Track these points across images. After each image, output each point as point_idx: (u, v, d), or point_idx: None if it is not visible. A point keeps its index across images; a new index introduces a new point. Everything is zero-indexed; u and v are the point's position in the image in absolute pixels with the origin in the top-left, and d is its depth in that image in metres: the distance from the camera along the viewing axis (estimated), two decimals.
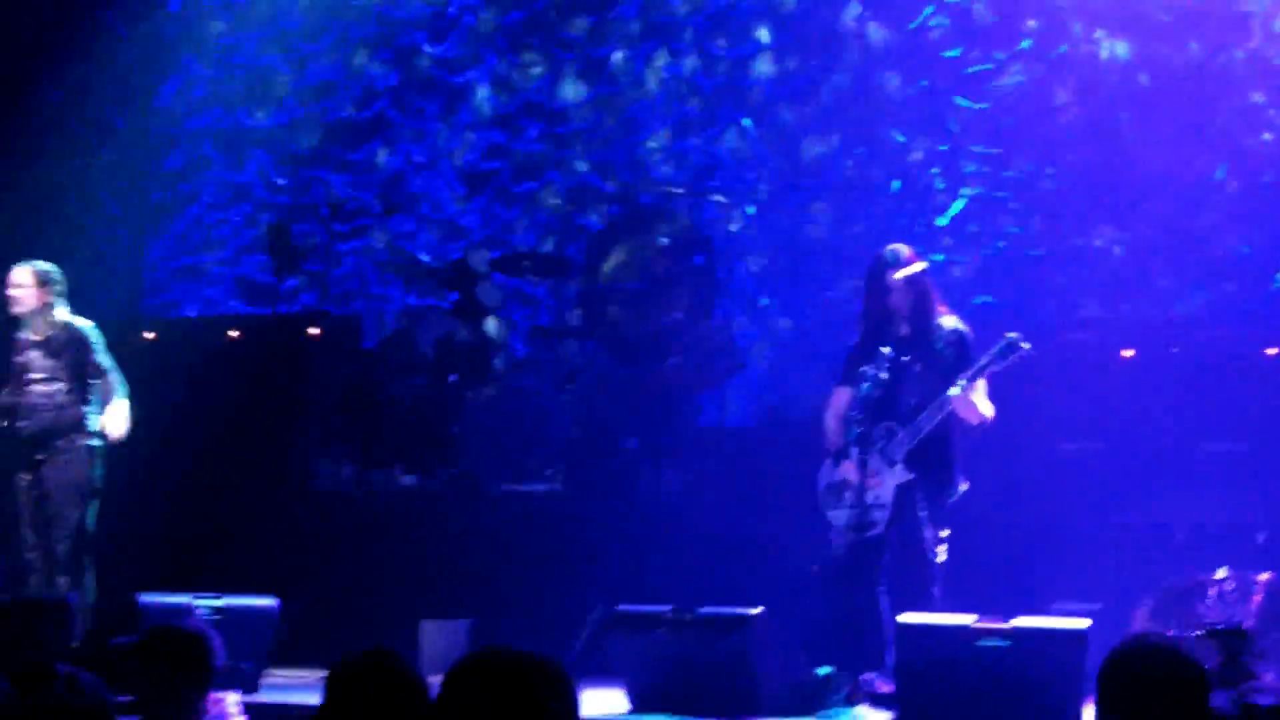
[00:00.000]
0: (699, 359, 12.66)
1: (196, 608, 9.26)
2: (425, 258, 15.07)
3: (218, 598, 9.49)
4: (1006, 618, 8.41)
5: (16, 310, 11.02)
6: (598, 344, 13.51)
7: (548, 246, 14.77)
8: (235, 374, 13.29)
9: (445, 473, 12.66)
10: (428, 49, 15.49)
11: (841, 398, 9.50)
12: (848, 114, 14.18)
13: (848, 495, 9.31)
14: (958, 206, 13.72)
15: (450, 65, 15.44)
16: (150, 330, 14.00)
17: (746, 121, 14.44)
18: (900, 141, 13.94)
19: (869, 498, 9.22)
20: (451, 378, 13.02)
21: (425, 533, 12.30)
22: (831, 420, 9.51)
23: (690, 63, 14.74)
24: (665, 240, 13.25)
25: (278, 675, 9.91)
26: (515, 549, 12.04)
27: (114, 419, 10.99)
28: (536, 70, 15.17)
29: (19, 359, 10.99)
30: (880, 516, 9.20)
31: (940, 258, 13.21)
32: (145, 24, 16.00)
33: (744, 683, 8.49)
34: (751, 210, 14.33)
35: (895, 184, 13.92)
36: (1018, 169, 13.69)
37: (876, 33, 14.11)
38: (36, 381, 10.91)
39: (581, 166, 14.96)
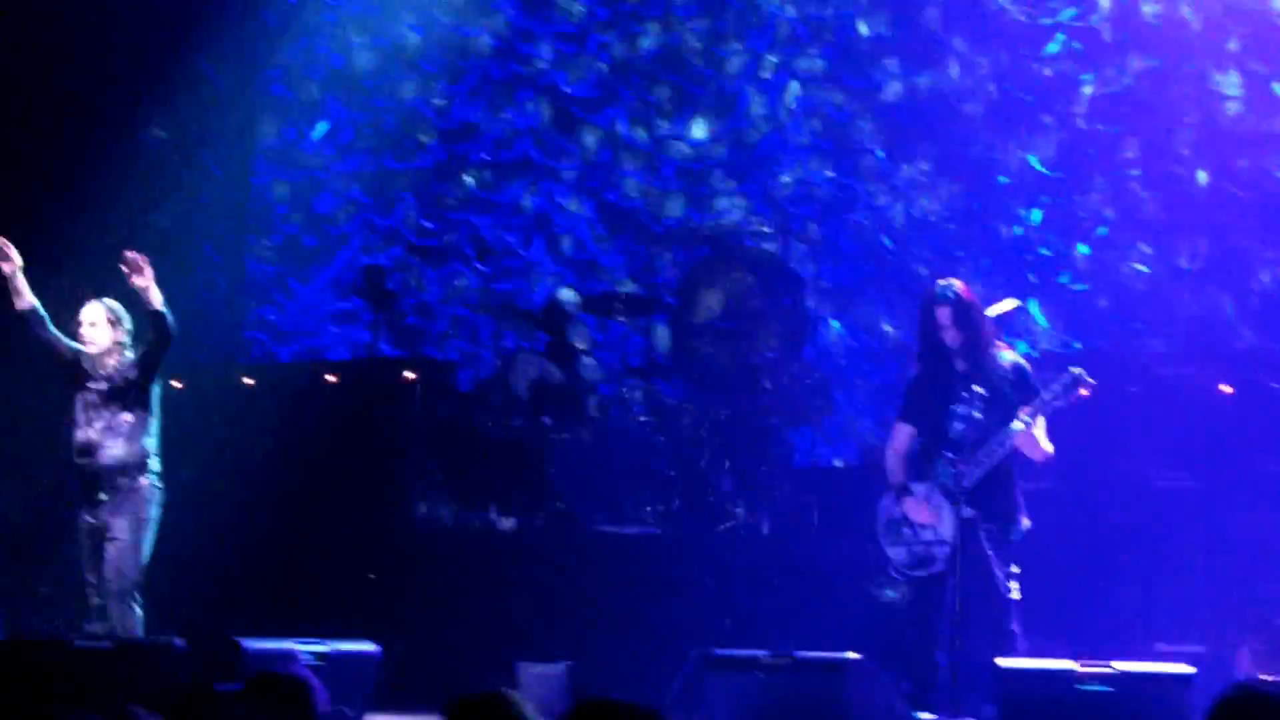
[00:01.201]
0: (792, 397, 12.68)
1: (300, 653, 9.29)
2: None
3: (321, 643, 9.53)
4: (1106, 660, 8.37)
5: (88, 348, 10.91)
6: (690, 383, 13.56)
7: None
8: (333, 417, 13.40)
9: (541, 514, 12.72)
10: (566, 89, 15.55)
11: (901, 434, 9.52)
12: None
13: (907, 532, 9.32)
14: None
15: (588, 105, 15.48)
16: (248, 375, 14.14)
17: (880, 153, 14.45)
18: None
19: (929, 534, 9.23)
20: (546, 419, 13.08)
21: (522, 575, 12.36)
22: (892, 457, 9.53)
23: (821, 94, 14.74)
24: (754, 278, 13.29)
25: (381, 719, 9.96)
26: (611, 590, 12.08)
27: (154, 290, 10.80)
28: (670, 106, 15.21)
29: (83, 396, 10.89)
30: (940, 553, 9.21)
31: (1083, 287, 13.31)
32: (241, 69, 16.17)
33: None
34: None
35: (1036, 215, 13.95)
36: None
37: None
38: (100, 420, 10.83)
39: (721, 203, 14.95)
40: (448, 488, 13.04)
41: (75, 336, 10.92)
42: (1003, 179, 14.11)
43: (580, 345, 13.78)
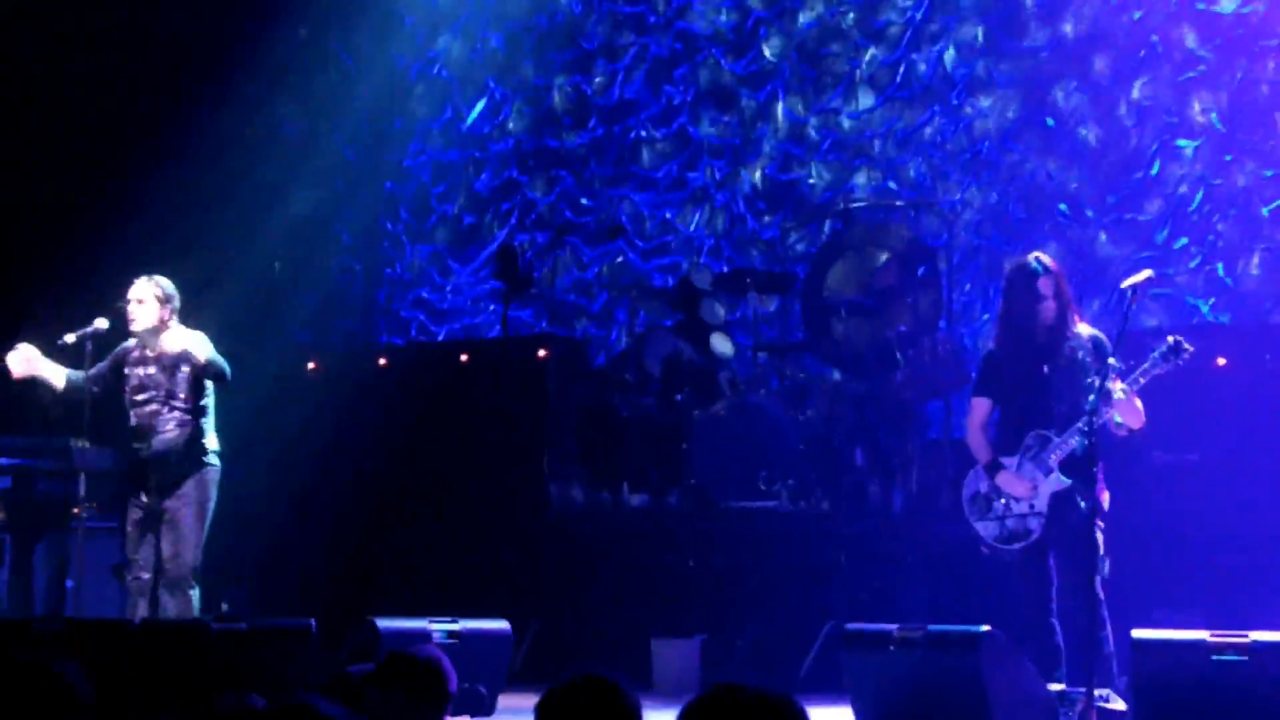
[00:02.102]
0: (926, 372, 12.61)
1: (433, 632, 9.35)
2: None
3: (453, 622, 9.59)
4: (1242, 630, 8.28)
5: (134, 326, 10.69)
6: (823, 359, 13.53)
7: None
8: (467, 397, 13.48)
9: (675, 491, 12.74)
10: (726, 64, 15.46)
11: (980, 409, 9.48)
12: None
13: (997, 506, 9.28)
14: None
15: (749, 80, 15.38)
16: (383, 356, 14.26)
17: (1050, 121, 14.30)
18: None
19: (1024, 507, 9.19)
20: (679, 397, 13.10)
21: (655, 552, 12.40)
22: (974, 433, 9.48)
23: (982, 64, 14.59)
24: (888, 253, 13.23)
25: (513, 698, 10.01)
26: (744, 567, 12.09)
27: (183, 333, 10.63)
28: (829, 79, 15.08)
29: (134, 375, 10.72)
30: (1035, 525, 9.17)
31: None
32: (376, 54, 16.28)
33: (975, 702, 8.41)
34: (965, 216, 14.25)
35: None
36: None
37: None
38: (153, 401, 10.66)
39: (875, 177, 14.88)
40: (581, 465, 13.09)
41: (123, 314, 10.71)
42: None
43: (713, 322, 13.78)
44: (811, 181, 15.06)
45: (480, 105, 16.16)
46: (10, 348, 12.76)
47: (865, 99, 14.96)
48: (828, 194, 14.92)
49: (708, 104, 15.46)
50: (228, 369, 10.65)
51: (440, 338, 15.97)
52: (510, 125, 16.13)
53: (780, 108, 15.20)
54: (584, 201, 15.73)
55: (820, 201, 14.91)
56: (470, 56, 16.29)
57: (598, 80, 15.86)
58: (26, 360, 10.62)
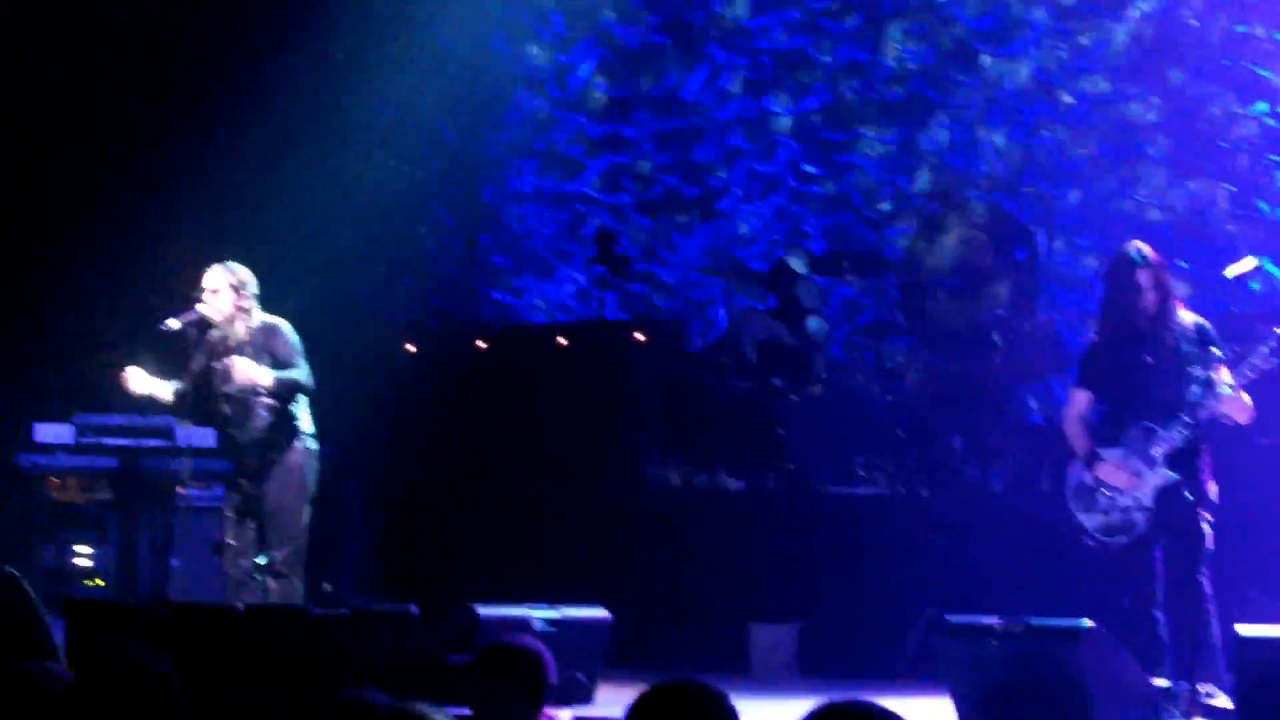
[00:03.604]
0: (1023, 354, 12.55)
1: (533, 619, 9.39)
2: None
3: (553, 609, 9.62)
4: None
5: (212, 315, 10.61)
6: (920, 342, 13.48)
7: None
8: (564, 379, 13.51)
9: (770, 476, 12.73)
10: (965, 22, 14.95)
11: (1080, 400, 9.42)
12: None
13: (1101, 498, 9.22)
14: None
15: (989, 38, 14.78)
16: (481, 339, 14.29)
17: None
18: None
19: (1128, 500, 9.13)
20: (775, 379, 13.08)
21: (751, 536, 12.38)
22: (1072, 424, 9.42)
23: None
24: (985, 234, 13.17)
25: (611, 685, 10.04)
26: (841, 551, 12.06)
27: (247, 364, 10.53)
28: (1083, 39, 14.48)
29: (220, 365, 10.64)
30: (1141, 519, 9.10)
31: None
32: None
33: (1075, 696, 8.37)
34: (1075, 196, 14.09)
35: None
36: None
37: None
38: (241, 390, 10.60)
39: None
40: (677, 449, 13.09)
41: (196, 303, 10.67)
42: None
43: (809, 305, 13.75)
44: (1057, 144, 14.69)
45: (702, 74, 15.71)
46: (113, 333, 12.92)
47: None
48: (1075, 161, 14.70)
49: (947, 64, 14.77)
50: (302, 376, 10.61)
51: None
52: (732, 91, 15.58)
53: (1025, 69, 14.53)
54: (807, 168, 15.20)
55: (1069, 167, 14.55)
56: (692, 20, 15.71)
57: (824, 43, 15.27)
58: (140, 381, 10.67)
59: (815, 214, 15.02)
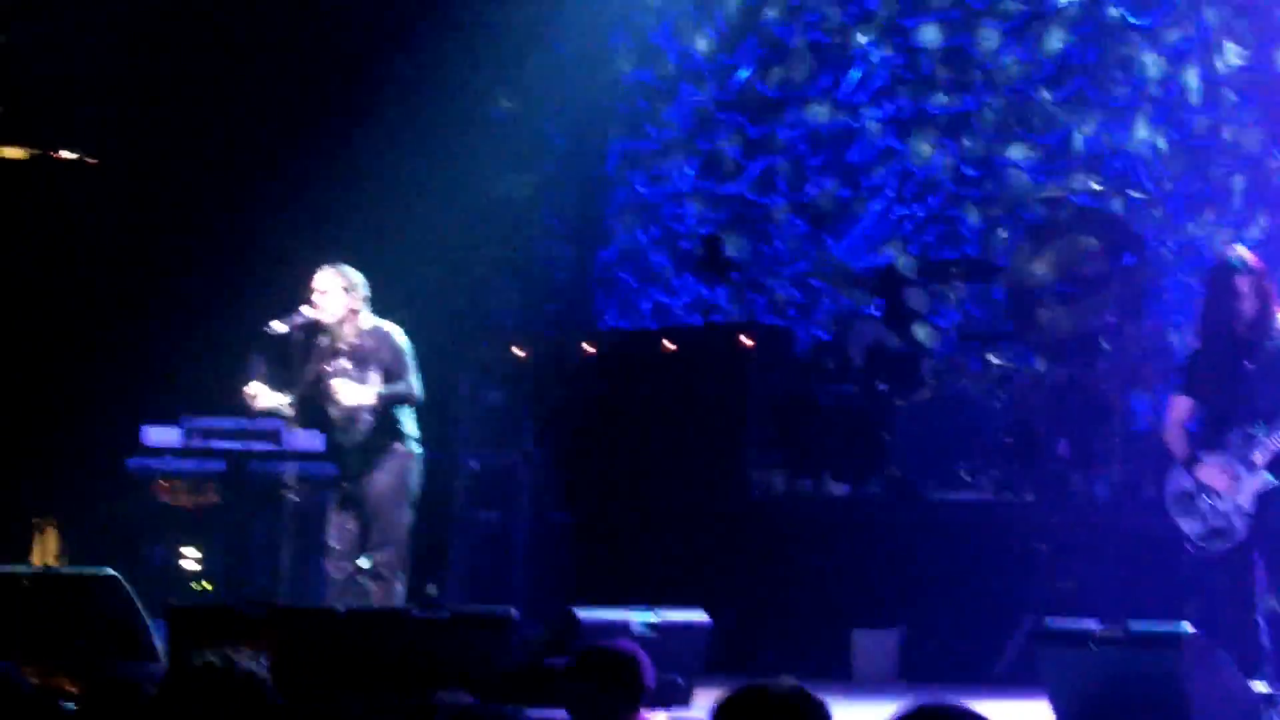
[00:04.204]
0: (1131, 361, 12.47)
1: (632, 623, 9.41)
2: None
3: (652, 612, 9.64)
4: None
5: (322, 318, 10.77)
6: (1027, 348, 13.41)
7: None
8: (671, 384, 13.53)
9: (876, 481, 12.71)
10: (1131, 18, 14.57)
11: (1180, 407, 9.39)
12: None
13: (1201, 504, 9.16)
14: None
15: (1154, 36, 14.39)
16: (589, 342, 14.33)
17: None
18: None
19: (1228, 505, 9.06)
20: (881, 385, 13.06)
21: (855, 541, 12.38)
22: (1172, 430, 9.39)
23: None
24: (1095, 240, 13.08)
25: (710, 687, 10.05)
26: (946, 557, 12.04)
27: (353, 389, 10.67)
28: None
29: (328, 368, 10.77)
30: (1241, 524, 9.04)
31: None
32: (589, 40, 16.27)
33: (1176, 702, 8.33)
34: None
35: None
36: None
37: None
38: (348, 411, 10.70)
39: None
40: (782, 454, 13.10)
41: (308, 304, 10.77)
42: None
43: (917, 310, 13.71)
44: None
45: (856, 74, 15.66)
46: (223, 336, 13.05)
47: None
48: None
49: (1106, 64, 14.45)
50: (409, 389, 10.72)
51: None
52: (888, 90, 15.34)
53: (1194, 72, 14.16)
54: (967, 171, 14.94)
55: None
56: (846, 18, 15.45)
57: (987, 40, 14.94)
58: (263, 397, 10.79)
59: (971, 217, 14.80)
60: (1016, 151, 14.76)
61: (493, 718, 4.21)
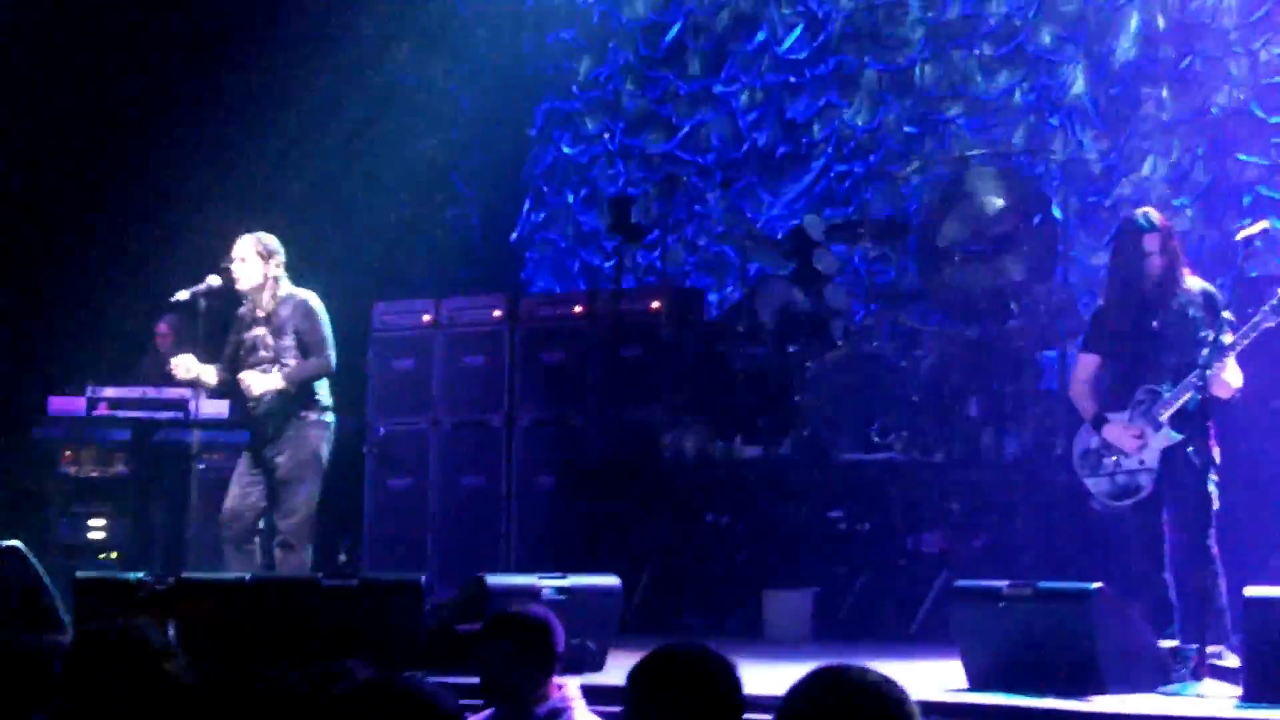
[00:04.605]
0: (1040, 321, 12.50)
1: (542, 588, 9.37)
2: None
3: (563, 577, 9.61)
4: None
5: (239, 286, 10.65)
6: (937, 307, 13.44)
7: None
8: (581, 349, 13.50)
9: (788, 442, 12.70)
10: None
11: (1088, 364, 9.44)
12: None
13: (1107, 462, 9.22)
14: None
15: None
16: (497, 309, 14.26)
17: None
18: None
19: (1134, 462, 9.12)
20: (792, 347, 13.05)
21: (768, 502, 12.38)
22: (1079, 388, 9.45)
23: None
24: (1003, 200, 13.10)
25: (624, 651, 10.04)
26: (858, 518, 12.06)
27: (257, 378, 10.60)
28: None
29: (245, 336, 10.70)
30: (1147, 481, 9.10)
31: None
32: None
33: (1085, 658, 8.36)
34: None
35: None
36: None
37: None
38: (265, 360, 10.64)
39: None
40: (694, 417, 13.08)
41: (226, 273, 10.73)
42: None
43: (826, 271, 13.69)
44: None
45: (797, 31, 15.55)
46: (128, 305, 12.94)
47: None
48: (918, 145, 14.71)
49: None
50: (321, 367, 10.70)
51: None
52: (829, 47, 15.34)
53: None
54: (908, 129, 14.98)
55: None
56: None
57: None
58: (187, 369, 10.69)
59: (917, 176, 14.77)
60: (954, 108, 14.77)
61: (397, 684, 4.16)
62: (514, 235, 16.50)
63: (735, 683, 4.61)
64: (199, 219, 13.58)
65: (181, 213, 14.04)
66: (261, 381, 10.58)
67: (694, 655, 4.67)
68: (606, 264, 15.32)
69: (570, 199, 16.37)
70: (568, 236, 16.33)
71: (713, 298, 15.04)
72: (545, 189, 16.52)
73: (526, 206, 16.55)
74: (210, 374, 10.73)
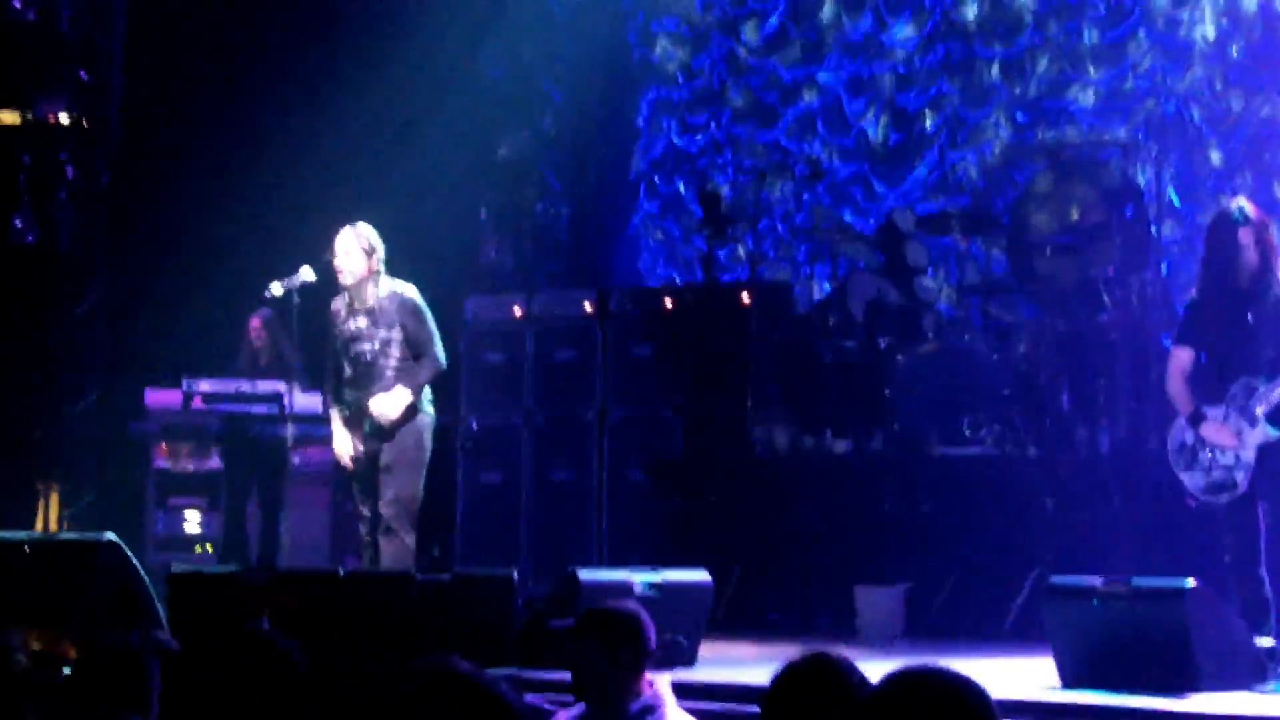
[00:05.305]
0: (1133, 313, 12.43)
1: (634, 584, 9.38)
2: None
3: (655, 572, 9.62)
4: None
5: (343, 280, 10.68)
6: (1028, 300, 13.37)
7: None
8: (673, 343, 13.48)
9: (878, 436, 12.67)
10: None
11: (1181, 358, 9.34)
12: None
13: (1203, 457, 9.13)
14: None
15: None
16: (588, 301, 14.26)
17: None
18: None
19: (1230, 458, 9.03)
20: (882, 340, 13.01)
21: (859, 497, 12.35)
22: (1175, 382, 9.34)
23: None
24: (1095, 192, 13.02)
25: (715, 645, 10.05)
26: (949, 512, 12.01)
27: (385, 400, 10.63)
28: None
29: (347, 328, 10.71)
30: (1242, 477, 9.01)
31: None
32: None
33: (1179, 656, 8.31)
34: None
35: None
36: None
37: None
38: (367, 353, 10.65)
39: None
40: (784, 411, 13.05)
41: (322, 266, 10.78)
42: None
43: (917, 264, 13.65)
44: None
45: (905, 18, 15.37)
46: (223, 299, 12.98)
47: None
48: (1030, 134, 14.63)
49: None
50: (434, 367, 10.79)
51: None
52: (939, 34, 15.20)
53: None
54: (1019, 117, 14.88)
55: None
56: None
57: None
58: (348, 449, 10.75)
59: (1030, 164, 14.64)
60: (1069, 98, 14.66)
61: (488, 685, 4.13)
62: (629, 226, 16.50)
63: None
64: (293, 212, 13.65)
65: (275, 206, 14.11)
66: (393, 404, 10.58)
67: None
68: (721, 252, 15.26)
69: (681, 188, 16.37)
70: (682, 225, 16.34)
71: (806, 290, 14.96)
72: (657, 179, 16.52)
73: (641, 196, 16.56)
74: (342, 432, 10.74)
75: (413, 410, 10.67)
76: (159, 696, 5.06)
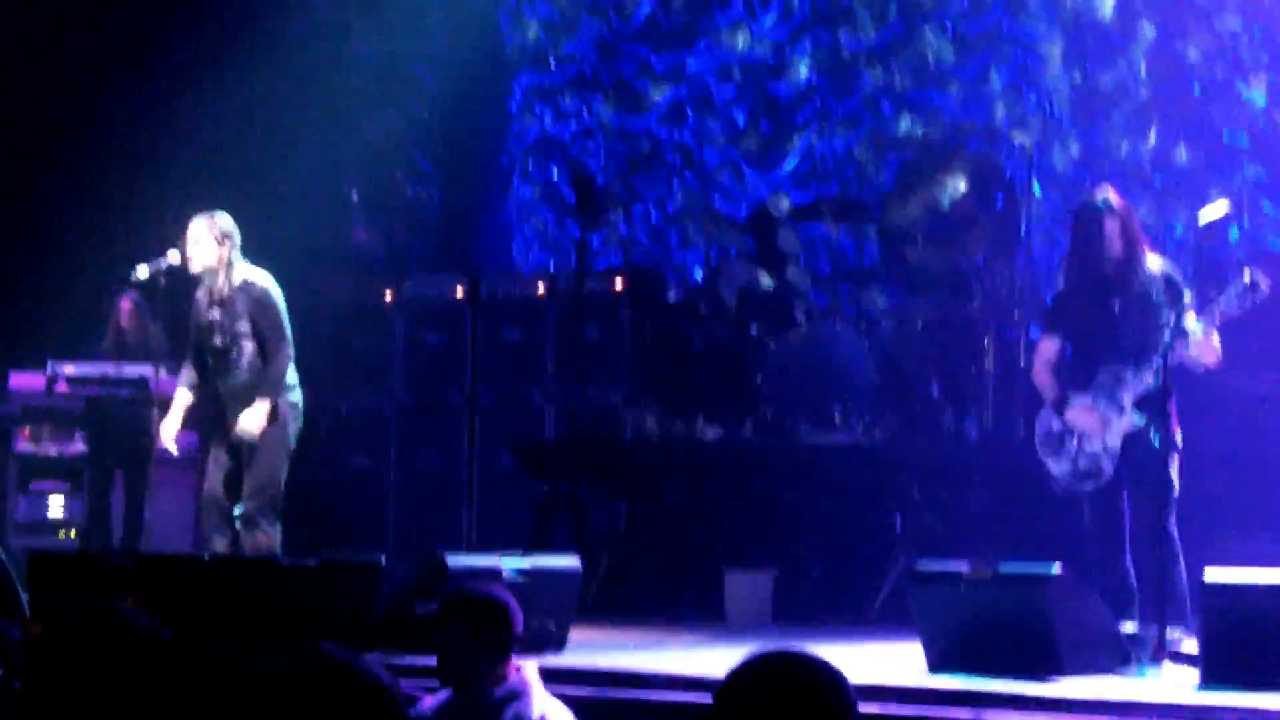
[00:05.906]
0: (1001, 302, 12.52)
1: (503, 569, 9.35)
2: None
3: (524, 557, 9.59)
4: None
5: (193, 268, 10.46)
6: (898, 288, 13.44)
7: None
8: (543, 328, 13.47)
9: (748, 423, 12.70)
10: None
11: (1049, 347, 9.42)
12: None
13: (1069, 445, 9.23)
14: None
15: None
16: (461, 285, 14.19)
17: None
18: None
19: (1096, 445, 9.14)
20: (754, 327, 13.04)
21: (728, 483, 12.37)
22: (1042, 371, 9.43)
23: None
24: (965, 181, 13.10)
25: (584, 631, 10.03)
26: (818, 498, 12.06)
27: (248, 417, 10.37)
28: None
29: (204, 318, 10.52)
30: (1108, 465, 9.12)
31: None
32: None
33: (1044, 641, 8.39)
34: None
35: None
36: None
37: None
38: (221, 344, 10.47)
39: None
40: (655, 397, 13.06)
41: (181, 255, 10.59)
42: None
43: (789, 251, 13.68)
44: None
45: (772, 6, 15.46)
46: (89, 281, 12.83)
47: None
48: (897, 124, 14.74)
49: None
50: (281, 366, 10.53)
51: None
52: (808, 25, 15.32)
53: None
54: (886, 108, 14.96)
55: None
56: None
57: None
58: (173, 437, 10.60)
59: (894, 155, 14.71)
60: (933, 85, 14.76)
61: (350, 666, 4.06)
62: (503, 211, 16.44)
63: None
64: (159, 193, 13.50)
65: (142, 188, 13.95)
66: (255, 421, 10.40)
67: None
68: (594, 238, 15.23)
69: (554, 174, 16.33)
70: (555, 211, 16.29)
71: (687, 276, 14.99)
72: (530, 164, 16.46)
73: (515, 182, 16.49)
74: (187, 398, 10.60)
75: (274, 413, 10.51)
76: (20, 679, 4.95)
